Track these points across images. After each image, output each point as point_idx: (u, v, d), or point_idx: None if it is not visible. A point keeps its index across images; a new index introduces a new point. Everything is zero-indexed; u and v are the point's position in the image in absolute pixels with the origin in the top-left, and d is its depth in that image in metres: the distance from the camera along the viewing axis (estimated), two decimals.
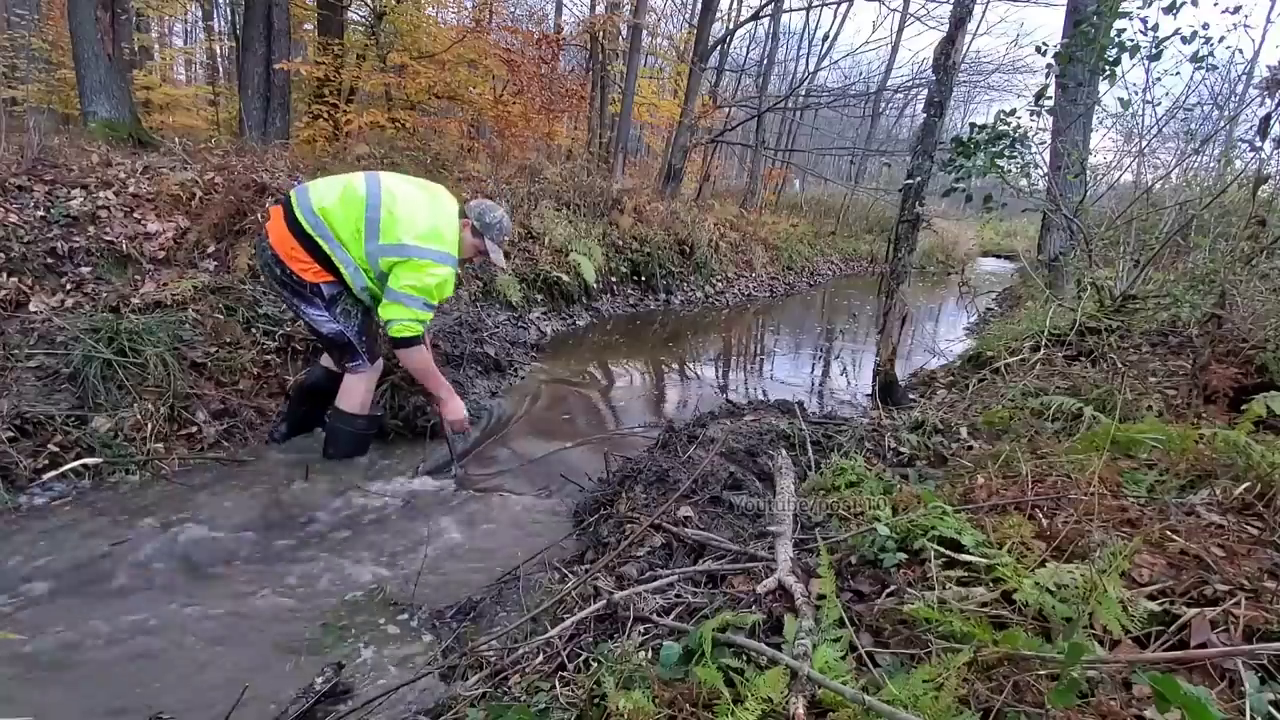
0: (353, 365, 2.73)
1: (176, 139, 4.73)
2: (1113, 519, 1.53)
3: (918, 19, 12.57)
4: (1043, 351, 3.44)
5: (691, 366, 5.05)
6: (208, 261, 3.46)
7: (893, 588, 1.41)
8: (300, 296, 2.56)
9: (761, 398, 4.15)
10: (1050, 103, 3.92)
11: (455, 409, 2.79)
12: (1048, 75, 3.83)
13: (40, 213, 3.17)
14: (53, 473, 2.39)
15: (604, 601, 1.55)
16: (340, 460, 2.83)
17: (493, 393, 3.71)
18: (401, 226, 2.48)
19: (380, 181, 2.54)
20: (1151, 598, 1.22)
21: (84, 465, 2.43)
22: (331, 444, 2.85)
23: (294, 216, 2.49)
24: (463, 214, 2.68)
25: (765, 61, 11.55)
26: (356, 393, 2.77)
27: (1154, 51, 3.52)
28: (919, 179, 3.38)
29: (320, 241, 2.49)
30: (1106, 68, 3.59)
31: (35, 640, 1.71)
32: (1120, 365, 2.93)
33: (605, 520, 2.27)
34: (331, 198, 2.49)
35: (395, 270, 2.50)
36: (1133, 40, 3.49)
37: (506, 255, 2.84)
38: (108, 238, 3.23)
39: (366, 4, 6.96)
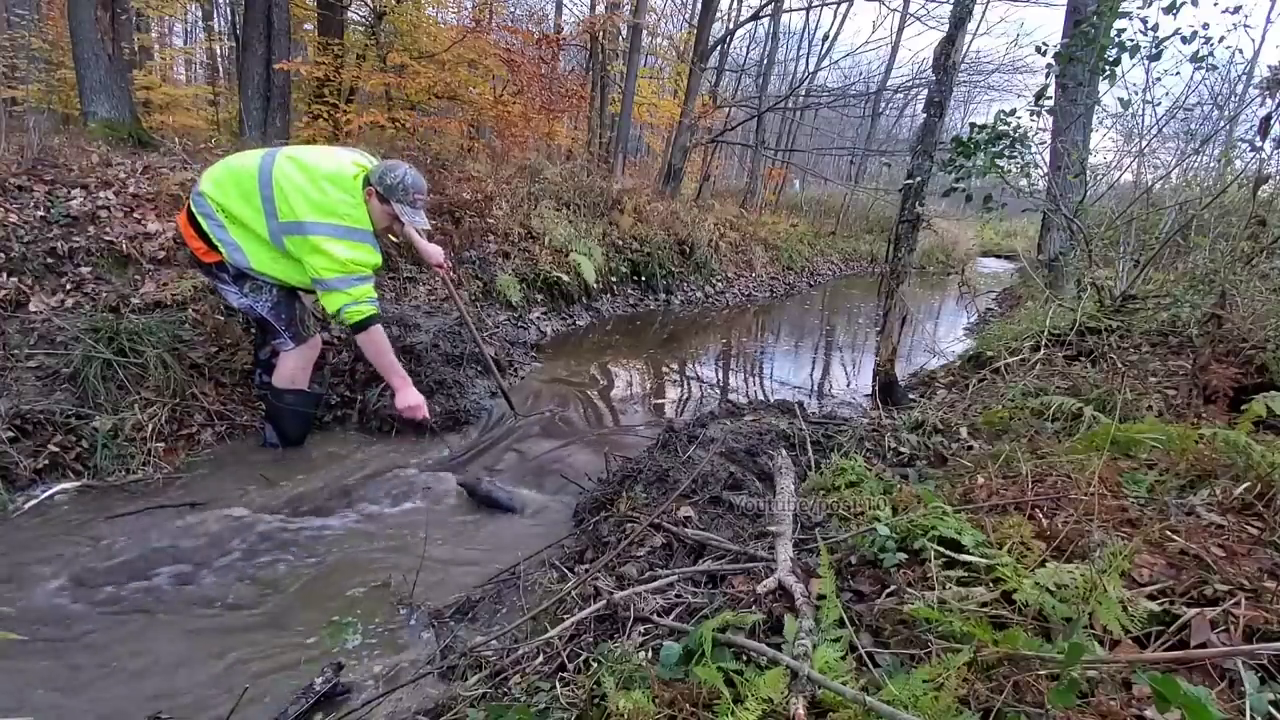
0: (277, 343, 2.73)
1: (176, 139, 4.72)
2: (1113, 519, 1.53)
3: (918, 19, 12.53)
4: (1043, 351, 3.44)
5: (691, 366, 5.05)
6: None
7: (893, 588, 1.41)
8: (209, 273, 2.63)
9: (761, 398, 4.16)
10: (1050, 103, 3.91)
11: (406, 398, 2.72)
12: (1048, 75, 3.83)
13: (40, 213, 3.16)
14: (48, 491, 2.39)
15: (604, 601, 1.56)
16: (281, 445, 2.87)
17: (493, 393, 3.71)
18: (294, 202, 2.42)
19: (275, 156, 2.51)
20: (1151, 598, 1.22)
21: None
22: (270, 422, 2.88)
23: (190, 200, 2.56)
24: (367, 182, 2.55)
25: (765, 61, 11.54)
26: (285, 368, 2.77)
27: (1154, 51, 3.52)
28: (919, 179, 3.38)
29: (201, 221, 2.49)
30: (1106, 68, 3.58)
31: (35, 640, 1.71)
32: (1120, 365, 2.93)
33: (605, 520, 2.27)
34: (219, 176, 2.51)
35: (302, 255, 2.46)
36: (1133, 40, 3.49)
37: (430, 214, 2.72)
38: (108, 238, 3.23)
39: (366, 4, 6.96)
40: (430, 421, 2.82)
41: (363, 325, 2.54)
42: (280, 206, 2.45)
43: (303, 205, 2.43)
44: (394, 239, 2.68)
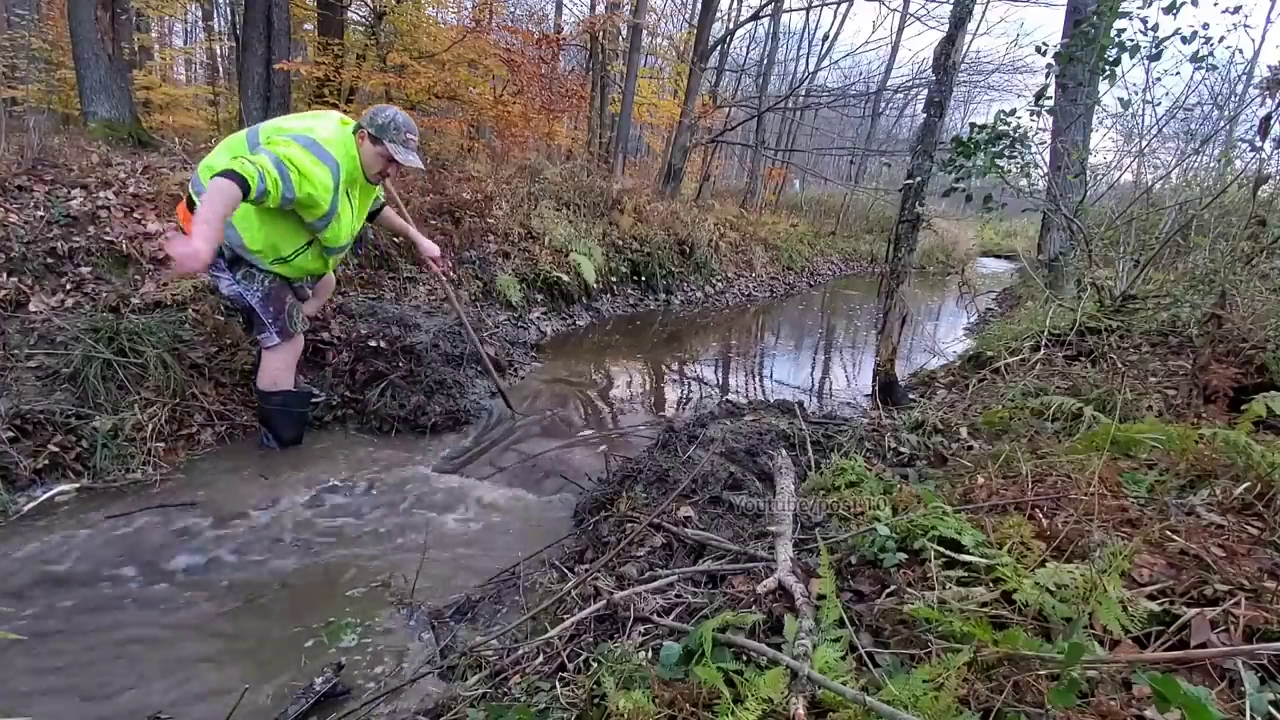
0: (261, 338, 2.70)
1: (176, 139, 4.73)
2: (1113, 519, 1.53)
3: (918, 19, 12.54)
4: (1043, 351, 3.44)
5: (691, 366, 5.05)
6: None
7: (893, 588, 1.41)
8: None
9: (761, 398, 4.16)
10: (1050, 103, 3.91)
11: (184, 250, 2.03)
12: (1048, 75, 3.83)
13: (40, 213, 3.16)
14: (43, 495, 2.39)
15: (604, 601, 1.56)
16: (279, 446, 2.85)
17: (492, 393, 3.71)
18: (277, 135, 2.44)
19: (263, 121, 2.57)
20: (1151, 598, 1.22)
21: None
22: (263, 425, 2.87)
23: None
24: (358, 128, 2.58)
25: (765, 61, 11.55)
26: (268, 369, 2.74)
27: (1154, 51, 3.52)
28: (919, 179, 3.38)
29: (196, 200, 2.45)
30: (1106, 68, 3.58)
31: (35, 640, 1.71)
32: (1120, 365, 2.93)
33: (605, 520, 2.27)
34: (215, 151, 2.53)
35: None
36: (1133, 40, 3.49)
37: (421, 152, 2.67)
38: (108, 238, 3.23)
39: (366, 4, 6.95)
40: (191, 271, 2.28)
41: (228, 174, 2.16)
42: (264, 139, 2.45)
43: (280, 135, 2.43)
44: (389, 235, 2.64)
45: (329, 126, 2.54)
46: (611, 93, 10.46)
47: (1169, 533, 1.43)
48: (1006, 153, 3.71)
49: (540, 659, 1.48)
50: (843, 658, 1.17)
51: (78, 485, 2.42)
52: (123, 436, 2.57)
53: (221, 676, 1.66)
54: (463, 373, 3.64)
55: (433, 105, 7.30)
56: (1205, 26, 3.38)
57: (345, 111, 6.44)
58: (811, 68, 12.81)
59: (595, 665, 1.32)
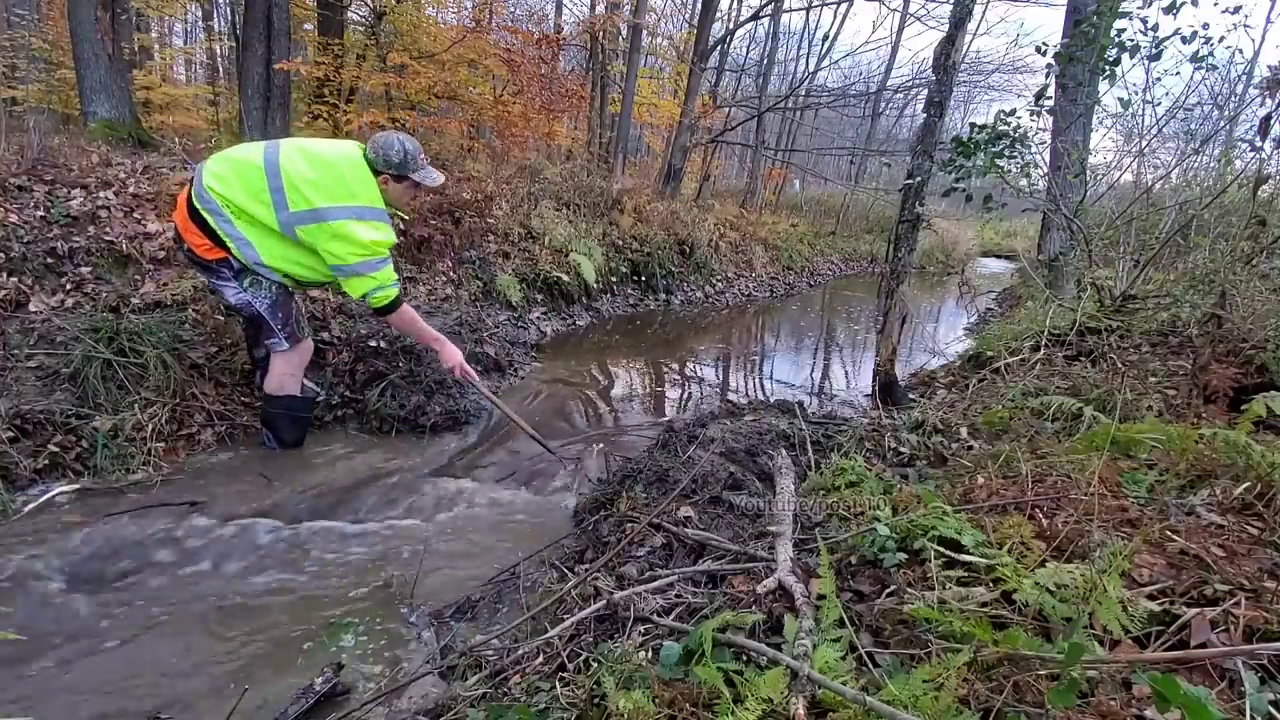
0: (271, 343, 2.69)
1: (176, 139, 4.73)
2: (1113, 519, 1.53)
3: (918, 19, 12.54)
4: (1043, 351, 3.44)
5: (691, 366, 5.05)
6: None
7: (893, 588, 1.41)
8: (208, 271, 2.55)
9: (761, 398, 4.16)
10: (1050, 103, 3.91)
11: (449, 355, 2.81)
12: (1048, 75, 3.83)
13: (40, 213, 3.16)
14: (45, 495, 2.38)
15: (604, 601, 1.56)
16: (279, 447, 2.85)
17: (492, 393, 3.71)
18: (306, 191, 2.39)
19: (279, 148, 2.47)
20: (1151, 598, 1.22)
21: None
22: (265, 426, 2.88)
23: (190, 195, 2.48)
24: (375, 170, 2.52)
25: (765, 61, 11.55)
26: (275, 373, 2.74)
27: (1154, 51, 3.52)
28: (919, 179, 3.37)
29: (207, 217, 2.44)
30: (1106, 68, 3.58)
31: (35, 640, 1.71)
32: (1120, 365, 2.93)
33: (605, 520, 2.27)
34: (223, 172, 2.44)
35: (320, 242, 2.42)
36: (1133, 40, 3.49)
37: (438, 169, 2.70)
38: (108, 238, 3.23)
39: (366, 4, 6.95)
40: (470, 378, 2.89)
41: (390, 307, 2.59)
42: (291, 197, 2.40)
43: (315, 193, 2.39)
44: (403, 217, 2.67)
45: (361, 176, 2.47)
46: (611, 93, 10.46)
47: (1169, 533, 1.43)
48: (1006, 153, 3.71)
49: (540, 659, 1.48)
50: (843, 658, 1.17)
51: (78, 485, 2.42)
52: (123, 436, 2.57)
53: (221, 676, 1.66)
54: None
55: (433, 105, 7.30)
56: (1205, 26, 3.38)
57: (345, 112, 6.45)
58: (811, 68, 12.81)
59: (595, 665, 1.32)
